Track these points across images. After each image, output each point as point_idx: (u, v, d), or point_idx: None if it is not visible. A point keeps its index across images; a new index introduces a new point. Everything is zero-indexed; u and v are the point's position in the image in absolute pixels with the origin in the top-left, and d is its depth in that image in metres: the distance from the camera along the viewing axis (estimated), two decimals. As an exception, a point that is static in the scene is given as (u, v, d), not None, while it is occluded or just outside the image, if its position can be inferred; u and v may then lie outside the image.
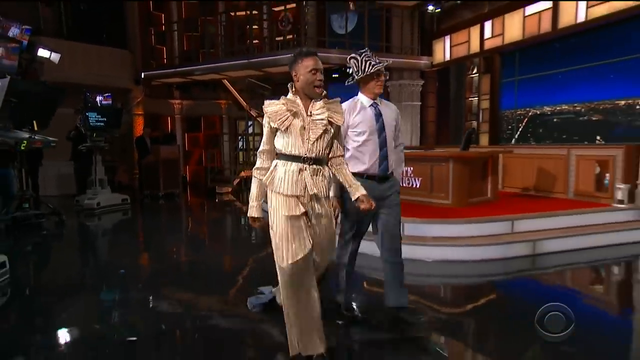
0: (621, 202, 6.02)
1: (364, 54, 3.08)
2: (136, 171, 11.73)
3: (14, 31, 5.72)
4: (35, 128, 5.46)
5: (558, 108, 10.10)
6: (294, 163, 2.49)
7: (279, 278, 2.50)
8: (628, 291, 4.55)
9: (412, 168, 6.54)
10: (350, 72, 3.11)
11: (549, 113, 10.28)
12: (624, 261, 5.31)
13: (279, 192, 2.49)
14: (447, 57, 10.58)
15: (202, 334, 3.10)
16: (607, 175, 6.39)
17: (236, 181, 11.89)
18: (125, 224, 8.25)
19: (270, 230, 2.54)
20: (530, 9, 8.24)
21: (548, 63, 9.92)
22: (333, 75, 10.85)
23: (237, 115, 13.84)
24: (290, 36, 11.79)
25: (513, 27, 8.67)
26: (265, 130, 2.58)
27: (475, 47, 9.66)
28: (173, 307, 3.66)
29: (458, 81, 12.30)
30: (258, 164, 2.62)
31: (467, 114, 12.23)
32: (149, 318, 3.45)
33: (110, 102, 8.92)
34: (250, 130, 12.84)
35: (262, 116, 9.87)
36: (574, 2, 7.03)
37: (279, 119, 2.49)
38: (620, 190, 6.03)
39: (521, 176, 7.74)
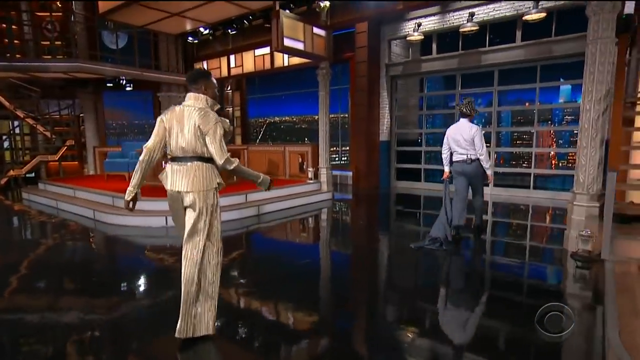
0: (310, 179, 8.32)
1: (472, 101, 4.71)
2: None
3: None
4: None
5: (283, 118, 12.48)
6: None
7: (219, 258, 2.50)
8: (316, 229, 6.59)
9: (178, 162, 7.37)
10: (465, 109, 4.63)
11: (278, 122, 12.57)
12: (312, 213, 7.30)
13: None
14: (206, 77, 11.47)
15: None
16: (305, 162, 8.69)
17: (4, 180, 10.12)
18: None
19: (216, 221, 2.49)
20: (258, 52, 9.94)
21: (276, 87, 12.13)
22: (108, 85, 10.48)
23: (-2, 115, 11.55)
24: (59, 42, 10.65)
25: (248, 61, 10.23)
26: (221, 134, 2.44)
27: (225, 72, 10.85)
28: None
29: (219, 95, 13.50)
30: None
31: (225, 120, 13.58)
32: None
33: None
34: (18, 130, 10.99)
35: (33, 117, 8.90)
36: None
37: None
38: (310, 172, 8.35)
39: (259, 165, 9.37)
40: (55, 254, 4.90)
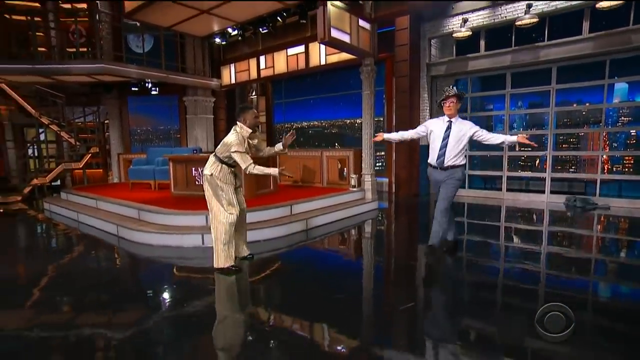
0: (354, 187, 7.17)
1: (447, 89, 3.76)
2: None
3: None
4: None
5: (312, 123, 11.35)
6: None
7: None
8: (358, 243, 5.47)
9: (211, 170, 6.27)
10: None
11: (306, 127, 11.44)
12: (357, 225, 6.12)
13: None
14: (233, 81, 10.41)
15: None
16: (345, 169, 7.54)
17: (28, 189, 9.11)
18: None
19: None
20: (291, 51, 8.84)
21: (304, 91, 11.02)
22: (132, 89, 9.45)
23: (25, 122, 10.59)
24: (84, 49, 9.67)
25: (280, 62, 9.13)
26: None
27: (254, 74, 9.78)
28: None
29: (241, 100, 12.45)
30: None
31: (249, 126, 12.48)
32: None
33: None
34: (42, 137, 9.99)
35: (57, 124, 7.84)
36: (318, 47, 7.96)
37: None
38: (353, 179, 7.19)
39: (293, 172, 8.23)
40: (66, 279, 3.79)
